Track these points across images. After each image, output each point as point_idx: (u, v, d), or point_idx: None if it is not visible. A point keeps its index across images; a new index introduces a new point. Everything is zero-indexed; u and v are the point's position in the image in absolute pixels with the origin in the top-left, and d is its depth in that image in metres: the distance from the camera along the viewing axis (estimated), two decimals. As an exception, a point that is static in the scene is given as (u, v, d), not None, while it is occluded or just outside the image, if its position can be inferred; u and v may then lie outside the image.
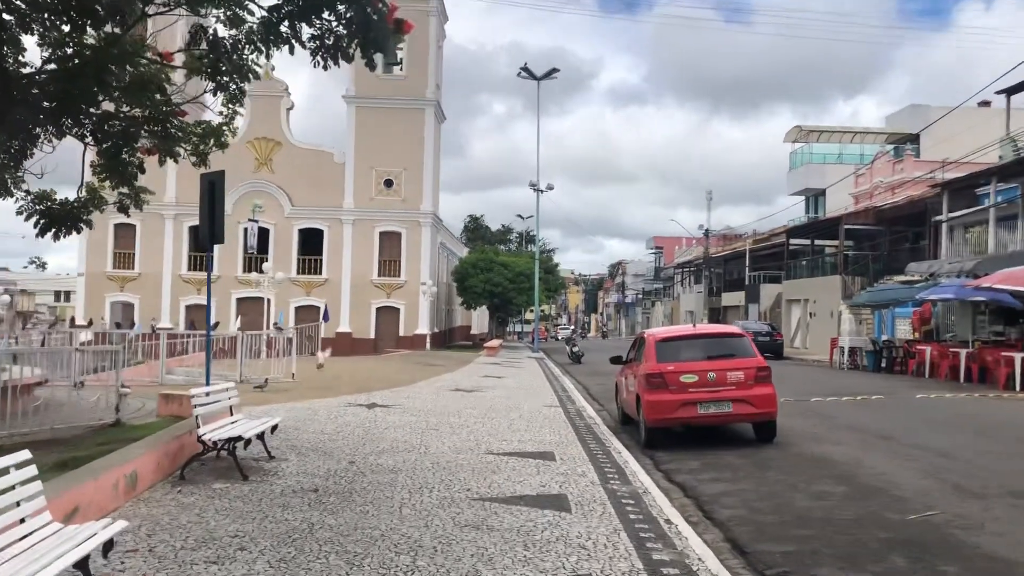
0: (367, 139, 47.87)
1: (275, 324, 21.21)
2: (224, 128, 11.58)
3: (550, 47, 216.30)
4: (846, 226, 39.38)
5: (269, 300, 30.64)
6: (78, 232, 11.45)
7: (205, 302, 45.16)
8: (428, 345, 44.06)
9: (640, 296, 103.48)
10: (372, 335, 47.66)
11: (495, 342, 38.86)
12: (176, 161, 11.50)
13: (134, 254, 48.48)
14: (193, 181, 45.98)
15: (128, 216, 11.53)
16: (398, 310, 47.98)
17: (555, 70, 39.12)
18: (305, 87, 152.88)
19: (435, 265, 50.81)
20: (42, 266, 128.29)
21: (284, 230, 48.35)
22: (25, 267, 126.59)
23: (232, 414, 9.42)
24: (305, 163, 48.47)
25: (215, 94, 11.24)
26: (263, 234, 47.23)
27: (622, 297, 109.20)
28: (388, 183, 48.18)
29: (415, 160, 48.02)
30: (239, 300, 47.25)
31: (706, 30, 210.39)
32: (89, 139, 10.73)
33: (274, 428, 9.71)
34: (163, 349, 17.75)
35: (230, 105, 11.58)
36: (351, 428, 12.11)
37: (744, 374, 11.68)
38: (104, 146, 10.88)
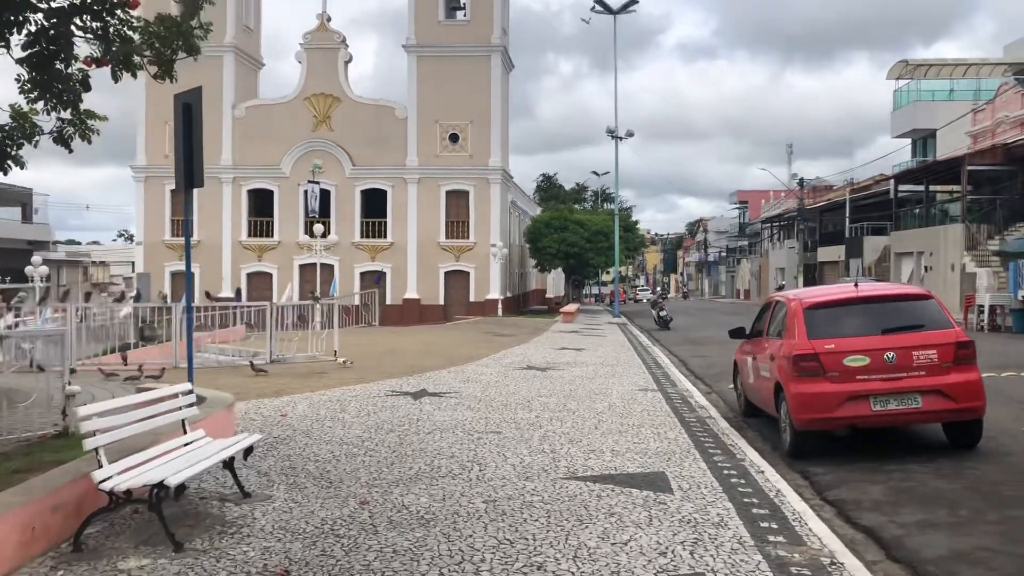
0: (430, 91, 44.63)
1: (311, 293, 18.20)
2: (192, 22, 8.32)
3: (615, 3, 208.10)
4: (969, 167, 34.54)
5: (320, 265, 27.81)
6: (4, 173, 8.49)
7: (267, 269, 42.83)
8: (500, 311, 40.98)
9: (723, 254, 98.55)
10: (441, 301, 44.79)
11: (572, 307, 35.52)
12: (134, 75, 8.33)
13: (192, 221, 46.36)
14: (252, 143, 43.31)
15: (70, 151, 8.47)
16: (467, 274, 44.96)
17: (634, 0, 35.08)
18: (363, 34, 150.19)
19: (506, 225, 47.53)
20: (130, 238, 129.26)
21: (346, 191, 45.64)
22: (114, 240, 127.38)
23: (187, 431, 6.33)
24: (366, 119, 45.54)
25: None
26: (324, 196, 44.64)
27: (704, 255, 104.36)
28: (454, 138, 44.92)
29: (482, 112, 44.61)
30: (302, 267, 44.89)
31: None
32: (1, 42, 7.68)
33: (248, 451, 6.57)
34: (175, 324, 14.89)
35: (204, -3, 8.38)
36: (383, 433, 8.95)
37: (937, 353, 8.10)
38: (28, 52, 7.81)
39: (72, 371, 12.96)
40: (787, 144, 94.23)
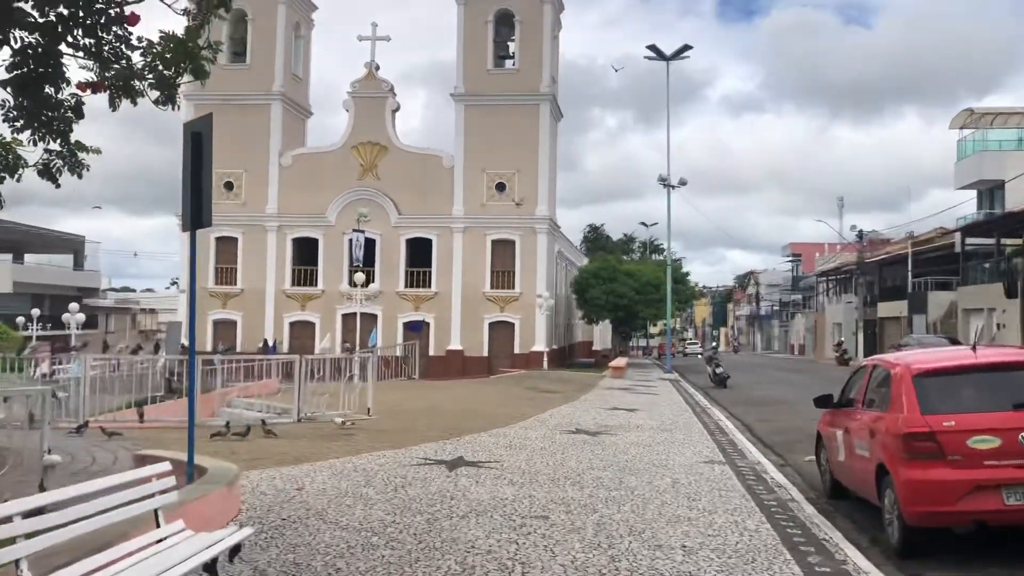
0: (478, 139, 44.01)
1: (344, 344, 17.07)
2: (199, 42, 7.27)
3: (661, 61, 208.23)
4: (1046, 219, 32.55)
5: (359, 315, 26.81)
6: (-18, 212, 7.51)
7: (310, 318, 42.09)
8: (545, 364, 39.57)
9: (776, 308, 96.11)
10: (485, 353, 43.56)
11: (621, 361, 34.01)
12: (133, 101, 7.30)
13: (236, 269, 46.07)
14: (298, 191, 42.86)
15: (57, 186, 7.46)
16: (513, 325, 43.73)
17: (687, 47, 34.08)
18: (411, 87, 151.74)
19: (552, 275, 46.35)
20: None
21: (391, 240, 44.94)
22: (167, 288, 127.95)
23: (161, 523, 5.10)
24: (412, 168, 45.02)
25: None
26: (369, 245, 44.01)
27: (756, 309, 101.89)
28: (500, 187, 44.10)
29: (530, 161, 43.79)
30: (344, 316, 44.06)
31: (822, 34, 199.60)
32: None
33: (235, 551, 5.32)
34: (196, 377, 13.75)
35: (215, 9, 7.37)
36: (410, 515, 7.65)
37: (1085, 435, 6.59)
38: (14, 74, 6.85)
39: (82, 427, 11.96)
40: (838, 197, 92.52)
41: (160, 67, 7.41)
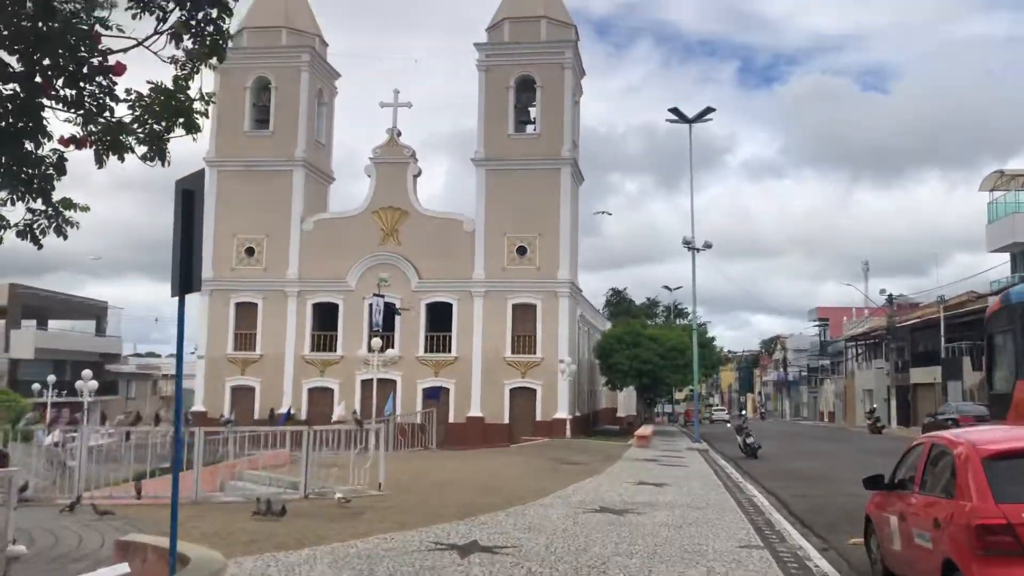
0: (498, 204, 43.76)
1: (354, 413, 16.34)
2: (189, 93, 6.76)
3: (681, 126, 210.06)
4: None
5: (376, 381, 26.12)
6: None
7: (329, 384, 41.38)
8: (568, 432, 38.52)
9: (804, 373, 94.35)
10: (506, 420, 42.58)
11: (647, 429, 32.92)
12: (121, 158, 6.79)
13: (255, 335, 45.64)
14: (319, 256, 42.60)
15: (39, 247, 6.90)
16: (534, 391, 42.79)
17: (710, 110, 33.74)
18: (433, 154, 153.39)
19: (574, 340, 45.55)
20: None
21: (411, 305, 44.41)
22: (191, 353, 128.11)
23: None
24: (433, 232, 44.78)
25: (177, 42, 6.64)
26: (389, 310, 43.53)
27: (783, 374, 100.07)
28: (521, 251, 43.66)
29: (551, 225, 43.41)
30: (364, 383, 43.34)
31: (841, 100, 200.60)
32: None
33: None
34: (199, 451, 12.99)
35: (206, 59, 6.89)
36: (415, 613, 6.82)
37: None
38: (-8, 129, 6.36)
39: (74, 504, 11.26)
40: (863, 261, 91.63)
41: (149, 120, 6.92)
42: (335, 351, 44.46)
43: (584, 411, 49.50)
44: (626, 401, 70.20)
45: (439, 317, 44.59)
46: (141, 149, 6.88)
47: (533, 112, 45.41)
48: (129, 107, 6.82)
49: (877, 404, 53.98)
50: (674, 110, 33.69)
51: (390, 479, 15.62)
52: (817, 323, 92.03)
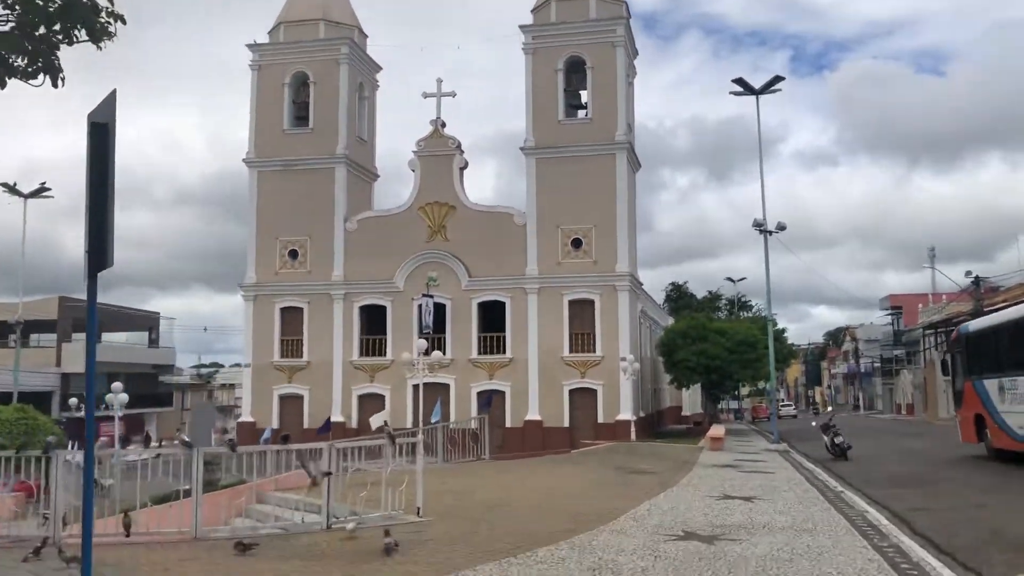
0: (550, 195, 41.43)
1: (384, 423, 14.12)
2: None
3: (731, 115, 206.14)
4: None
5: (418, 386, 24.01)
6: None
7: (379, 390, 39.42)
8: (633, 434, 35.95)
9: (876, 364, 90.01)
10: (566, 423, 40.18)
11: (719, 430, 30.23)
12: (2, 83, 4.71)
13: (302, 341, 44.01)
14: (365, 257, 40.56)
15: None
16: (595, 392, 40.32)
17: (779, 79, 30.91)
18: (480, 148, 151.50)
19: (636, 337, 42.94)
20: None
21: (462, 305, 42.36)
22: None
23: None
24: (482, 228, 42.62)
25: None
26: (439, 311, 41.54)
27: (855, 366, 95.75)
28: (576, 243, 41.24)
29: (607, 215, 40.91)
30: (415, 387, 41.36)
31: (894, 85, 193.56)
32: None
33: None
34: (196, 481, 10.75)
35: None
36: None
37: None
38: None
39: (39, 549, 9.23)
40: (928, 248, 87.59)
41: (35, 20, 4.79)
42: (385, 355, 42.57)
43: (648, 411, 46.84)
44: (691, 399, 67.25)
45: (491, 316, 42.43)
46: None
47: (584, 96, 42.99)
48: (5, 7, 4.75)
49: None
50: (739, 81, 30.94)
51: (433, 500, 13.39)
52: (890, 311, 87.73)
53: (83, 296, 56.38)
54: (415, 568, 8.52)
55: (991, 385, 20.85)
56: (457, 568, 8.51)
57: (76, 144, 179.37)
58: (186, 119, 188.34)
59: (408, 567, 8.57)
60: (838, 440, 24.31)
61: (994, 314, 25.71)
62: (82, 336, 65.55)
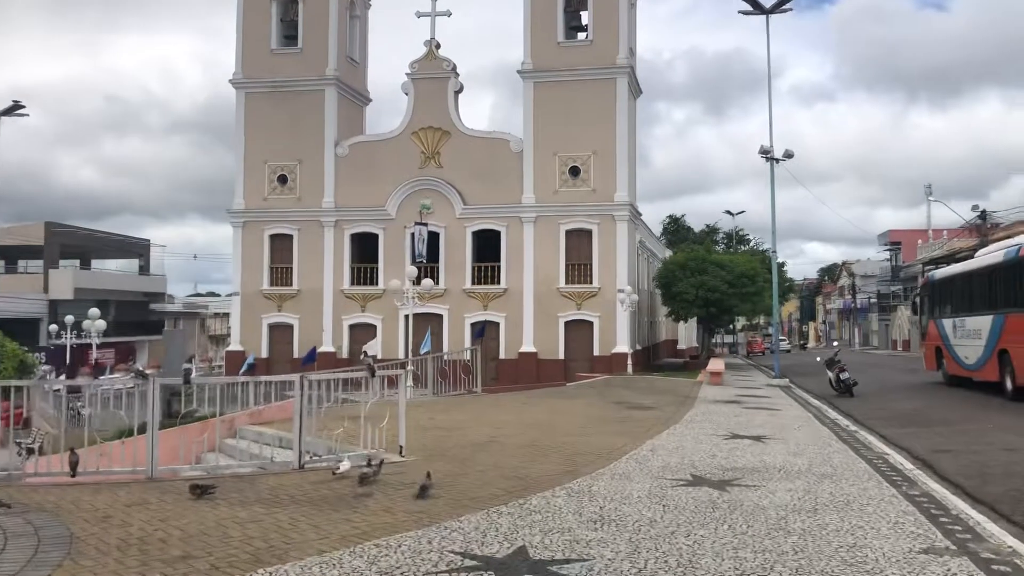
0: (548, 120, 39.90)
1: (364, 354, 13.08)
2: None
3: (730, 49, 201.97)
4: None
5: (409, 317, 22.95)
6: None
7: (371, 320, 38.42)
8: (630, 367, 35.14)
9: (873, 300, 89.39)
10: (561, 355, 39.38)
11: (719, 364, 29.36)
12: None
13: (292, 269, 42.87)
14: (356, 183, 39.03)
15: None
16: (591, 324, 39.44)
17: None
18: (475, 85, 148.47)
19: (634, 268, 41.89)
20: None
21: (456, 233, 41.17)
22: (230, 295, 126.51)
23: None
24: (478, 154, 41.19)
25: None
26: (433, 239, 40.35)
27: (851, 302, 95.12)
28: (574, 171, 39.87)
29: (606, 142, 39.47)
30: (407, 317, 40.38)
31: (895, 19, 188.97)
32: None
33: None
34: (153, 407, 9.69)
35: None
36: None
37: None
38: None
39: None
40: (925, 185, 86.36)
41: None
42: (376, 284, 41.49)
43: (644, 344, 46.07)
44: (687, 333, 66.61)
45: (486, 246, 41.27)
46: None
47: (585, 18, 41.09)
48: None
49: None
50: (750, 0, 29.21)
51: (419, 437, 12.43)
52: (888, 247, 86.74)
53: (71, 222, 54.77)
54: (391, 518, 7.50)
55: (947, 324, 25.10)
56: (438, 518, 7.50)
57: (70, 70, 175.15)
58: (180, 45, 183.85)
59: (383, 517, 7.56)
60: (843, 376, 23.44)
61: (954, 265, 29.54)
62: (69, 262, 64.29)
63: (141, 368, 12.04)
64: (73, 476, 9.09)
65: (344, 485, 9.02)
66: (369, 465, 9.35)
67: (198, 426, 12.03)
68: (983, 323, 22.02)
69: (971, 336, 22.91)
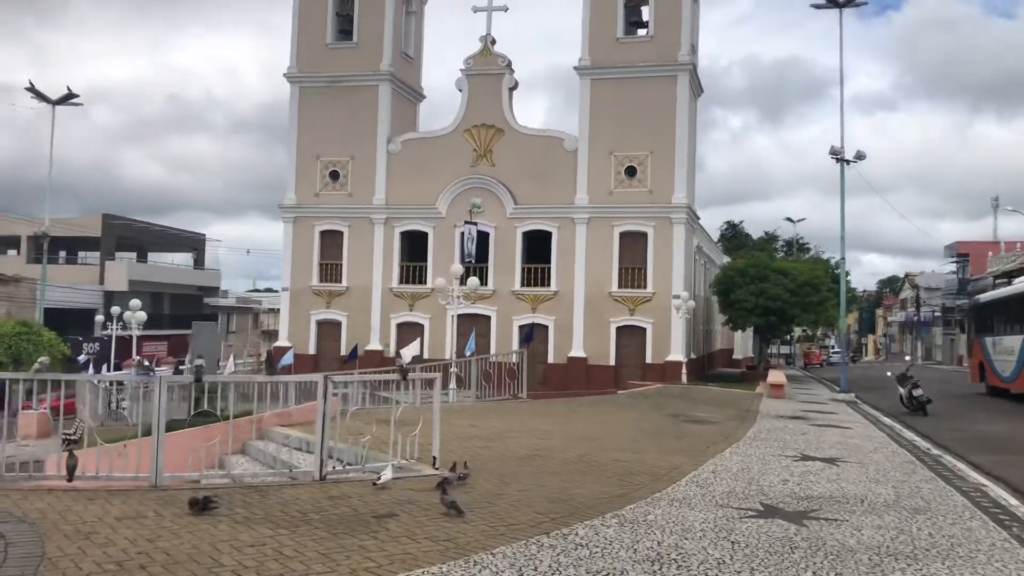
0: (604, 118, 38.68)
1: (397, 356, 12.01)
2: None
3: (787, 57, 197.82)
4: None
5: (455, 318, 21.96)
6: None
7: (419, 319, 37.54)
8: (684, 376, 33.72)
9: (937, 314, 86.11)
10: (612, 362, 38.09)
11: (780, 376, 27.78)
12: None
13: (341, 265, 42.29)
14: (407, 180, 37.70)
15: None
16: (644, 330, 38.06)
17: (866, -12, 27.61)
18: (530, 61, 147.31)
19: (691, 273, 40.40)
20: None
21: (506, 233, 40.16)
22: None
23: None
24: (531, 152, 40.13)
25: None
26: (482, 239, 39.40)
27: (915, 314, 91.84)
28: (630, 171, 38.55)
29: (665, 141, 38.08)
30: (453, 317, 39.45)
31: (960, 27, 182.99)
32: None
33: None
34: (159, 417, 8.81)
35: None
36: None
37: None
38: None
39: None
40: (992, 197, 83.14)
41: None
42: (425, 283, 40.66)
43: (699, 353, 44.50)
44: (743, 342, 64.71)
45: (537, 247, 40.18)
46: None
47: (645, 12, 39.78)
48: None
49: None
50: (820, -10, 27.68)
51: (456, 447, 11.38)
52: (955, 259, 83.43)
53: (128, 215, 54.96)
54: (413, 547, 6.44)
55: (989, 341, 28.92)
56: (467, 549, 6.42)
57: (140, 70, 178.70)
58: (242, 46, 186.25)
59: (404, 545, 6.50)
60: (916, 392, 21.82)
61: (997, 290, 33.23)
62: (126, 254, 64.92)
63: (148, 363, 11.21)
64: (70, 480, 8.23)
65: (367, 503, 7.99)
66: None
67: (216, 428, 11.14)
68: (1016, 342, 25.62)
69: (1007, 353, 26.66)
